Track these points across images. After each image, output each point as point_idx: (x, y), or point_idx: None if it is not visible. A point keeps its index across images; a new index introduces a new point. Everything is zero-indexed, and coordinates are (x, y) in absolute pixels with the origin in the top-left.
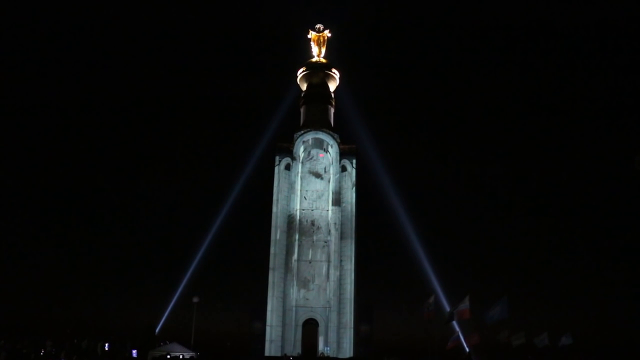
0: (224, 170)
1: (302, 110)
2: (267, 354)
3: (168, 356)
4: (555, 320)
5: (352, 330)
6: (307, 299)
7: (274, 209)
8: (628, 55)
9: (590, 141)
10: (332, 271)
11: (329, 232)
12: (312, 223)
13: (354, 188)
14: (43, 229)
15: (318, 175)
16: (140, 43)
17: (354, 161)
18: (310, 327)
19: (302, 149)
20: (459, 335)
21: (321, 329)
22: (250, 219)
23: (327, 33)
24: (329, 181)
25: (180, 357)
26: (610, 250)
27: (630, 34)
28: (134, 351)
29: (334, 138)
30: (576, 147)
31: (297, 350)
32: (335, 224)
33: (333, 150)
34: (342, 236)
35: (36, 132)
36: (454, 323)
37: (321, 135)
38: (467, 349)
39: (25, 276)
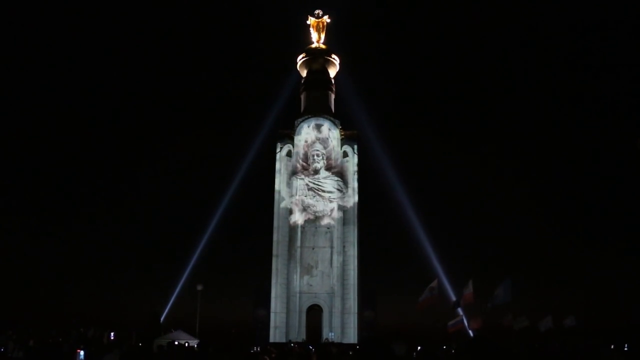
0: (226, 159)
1: (302, 96)
2: (271, 340)
3: (176, 343)
4: (559, 303)
5: (355, 315)
6: (311, 285)
7: (276, 196)
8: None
9: (591, 124)
10: (335, 257)
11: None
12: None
13: (356, 174)
14: (45, 220)
15: None
16: (136, 29)
17: (356, 147)
18: (314, 313)
19: None
20: (462, 319)
21: (325, 314)
22: (252, 207)
23: (326, 19)
24: None
25: (186, 344)
26: (613, 232)
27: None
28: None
29: (335, 124)
30: (577, 130)
31: (302, 336)
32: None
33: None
34: (344, 222)
35: (35, 127)
36: (458, 308)
37: (322, 121)
38: (471, 333)
39: (29, 267)
